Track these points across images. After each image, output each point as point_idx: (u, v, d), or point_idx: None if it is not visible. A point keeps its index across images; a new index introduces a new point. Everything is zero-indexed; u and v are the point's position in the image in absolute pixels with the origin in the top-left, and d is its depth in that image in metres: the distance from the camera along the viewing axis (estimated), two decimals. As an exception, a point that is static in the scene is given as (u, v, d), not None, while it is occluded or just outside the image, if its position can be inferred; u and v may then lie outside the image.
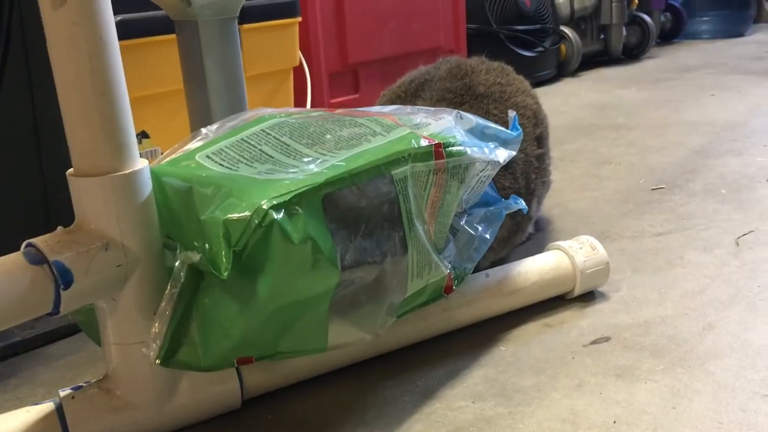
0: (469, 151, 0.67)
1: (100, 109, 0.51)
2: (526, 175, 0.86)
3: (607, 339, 0.73)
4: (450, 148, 0.65)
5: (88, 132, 0.52)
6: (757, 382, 0.63)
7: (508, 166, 0.82)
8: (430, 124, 0.68)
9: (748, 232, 0.97)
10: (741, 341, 0.70)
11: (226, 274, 0.51)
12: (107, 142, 0.52)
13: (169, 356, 0.54)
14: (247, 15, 1.24)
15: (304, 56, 1.48)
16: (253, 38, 1.26)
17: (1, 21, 0.72)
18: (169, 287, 0.53)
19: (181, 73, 0.94)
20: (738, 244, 0.93)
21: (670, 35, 3.10)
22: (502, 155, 0.71)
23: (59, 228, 0.54)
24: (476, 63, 0.93)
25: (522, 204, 0.75)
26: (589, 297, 0.82)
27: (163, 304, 0.53)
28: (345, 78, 1.68)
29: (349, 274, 0.57)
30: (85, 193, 0.53)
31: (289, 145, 0.62)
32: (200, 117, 0.94)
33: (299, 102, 1.48)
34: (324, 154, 0.61)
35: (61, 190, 0.77)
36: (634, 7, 2.65)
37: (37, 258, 0.51)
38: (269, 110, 0.72)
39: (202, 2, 0.87)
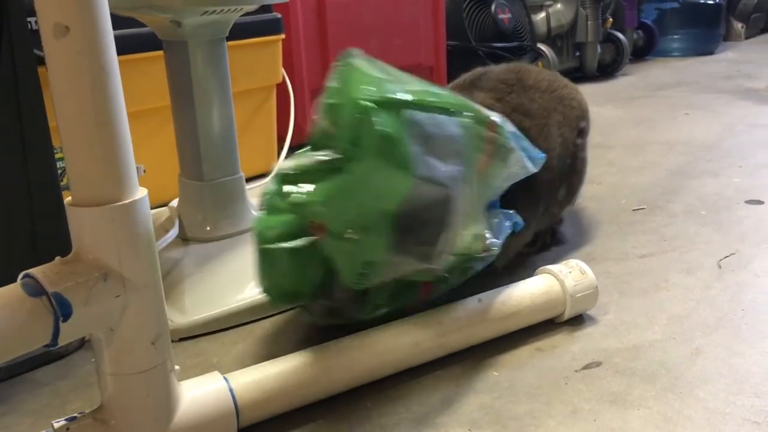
0: (512, 140, 0.77)
1: (101, 139, 0.51)
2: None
3: (598, 364, 0.73)
4: (500, 129, 0.76)
5: (89, 162, 0.51)
6: (747, 408, 0.65)
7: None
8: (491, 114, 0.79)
9: (729, 255, 0.99)
10: (728, 366, 0.72)
11: (340, 148, 0.65)
12: (108, 173, 0.52)
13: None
14: (231, 32, 1.24)
15: (287, 73, 1.48)
16: (237, 55, 1.25)
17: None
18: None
19: (164, 90, 0.94)
20: (720, 267, 0.95)
21: (642, 52, 3.15)
22: (529, 164, 0.81)
23: (57, 258, 0.53)
24: (531, 66, 1.04)
25: (518, 219, 0.82)
26: (578, 320, 0.82)
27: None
28: (327, 94, 1.68)
29: (420, 184, 0.66)
30: (84, 222, 0.53)
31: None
32: (187, 134, 0.93)
33: (282, 118, 1.48)
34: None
35: (49, 220, 0.76)
36: (609, 25, 2.70)
37: (36, 290, 0.50)
38: None
39: (192, 23, 0.86)
